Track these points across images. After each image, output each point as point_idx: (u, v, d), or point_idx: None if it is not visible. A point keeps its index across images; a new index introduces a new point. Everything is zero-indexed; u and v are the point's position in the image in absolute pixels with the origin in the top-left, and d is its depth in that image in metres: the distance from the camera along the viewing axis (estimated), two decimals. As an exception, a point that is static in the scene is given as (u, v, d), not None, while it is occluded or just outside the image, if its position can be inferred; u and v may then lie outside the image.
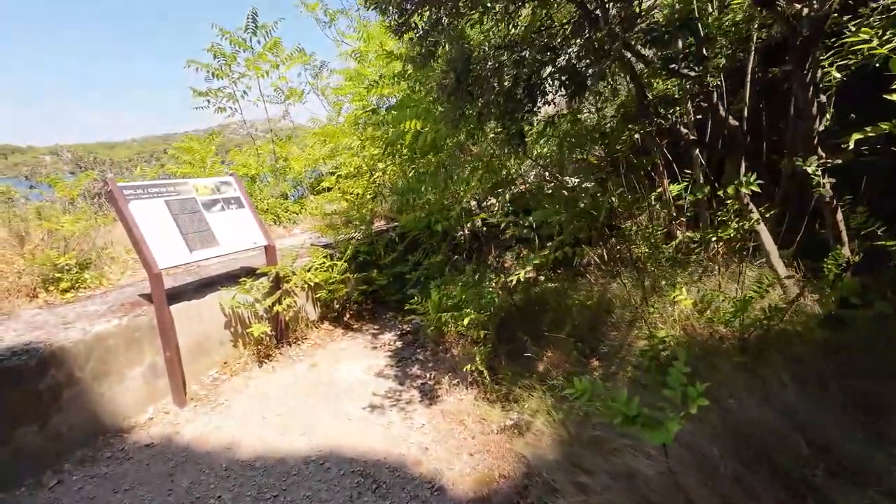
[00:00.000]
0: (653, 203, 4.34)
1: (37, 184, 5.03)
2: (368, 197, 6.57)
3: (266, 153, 7.70)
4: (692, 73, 2.81)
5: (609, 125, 4.23)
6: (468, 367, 3.23)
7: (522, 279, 2.42)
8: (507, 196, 5.04)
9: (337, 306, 4.85)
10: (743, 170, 3.22)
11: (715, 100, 2.88)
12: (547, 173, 5.43)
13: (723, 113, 2.90)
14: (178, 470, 2.70)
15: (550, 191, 5.09)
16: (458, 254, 5.56)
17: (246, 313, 3.89)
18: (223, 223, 3.64)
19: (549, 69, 2.40)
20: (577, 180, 5.56)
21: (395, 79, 4.52)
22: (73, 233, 3.96)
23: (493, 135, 3.73)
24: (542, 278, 4.78)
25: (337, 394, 3.47)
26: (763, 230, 3.20)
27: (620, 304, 3.42)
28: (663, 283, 3.12)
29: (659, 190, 4.35)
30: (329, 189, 6.93)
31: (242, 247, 3.69)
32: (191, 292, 3.61)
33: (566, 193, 3.50)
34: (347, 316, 4.92)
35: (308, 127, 9.42)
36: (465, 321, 3.12)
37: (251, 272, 4.09)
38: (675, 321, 2.95)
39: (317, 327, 4.58)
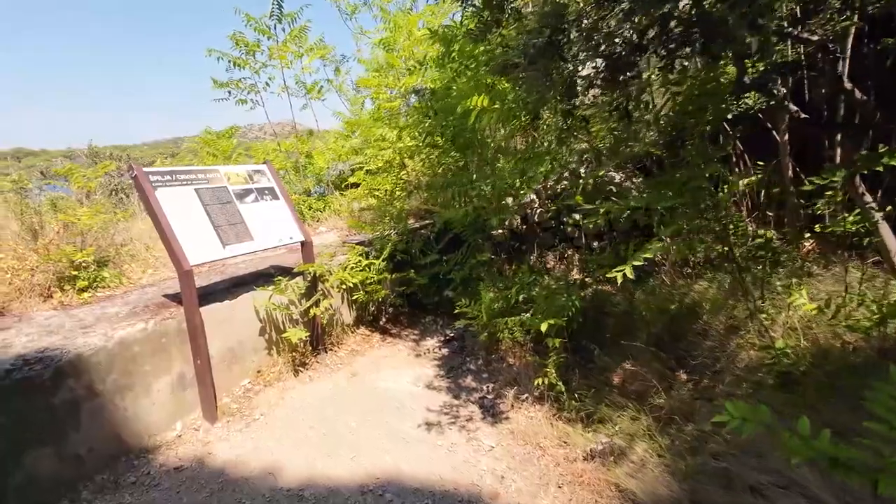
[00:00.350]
0: (731, 193, 3.90)
1: (52, 175, 4.73)
2: (398, 193, 6.20)
3: (288, 149, 7.35)
4: (814, 38, 2.39)
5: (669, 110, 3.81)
6: (539, 380, 2.81)
7: (630, 275, 2.01)
8: (570, 187, 4.64)
9: (372, 309, 4.46)
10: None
11: (840, 69, 2.45)
12: (582, 167, 5.03)
13: (847, 85, 2.47)
14: (214, 500, 2.31)
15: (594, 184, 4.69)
16: (495, 253, 5.16)
17: (280, 316, 3.50)
18: (257, 215, 3.26)
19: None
20: (621, 176, 5.14)
21: (441, 60, 4.14)
22: (90, 227, 3.61)
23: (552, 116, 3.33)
24: (589, 280, 4.37)
25: (385, 408, 3.06)
26: (884, 225, 2.75)
27: (711, 307, 3.00)
28: (778, 284, 2.68)
29: (735, 179, 3.91)
30: (356, 185, 6.57)
31: (278, 242, 3.31)
32: (221, 293, 3.24)
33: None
34: (384, 320, 4.53)
35: (319, 130, 9.08)
36: (544, 327, 2.71)
37: (284, 271, 3.71)
38: (792, 329, 2.51)
39: (352, 332, 4.18)
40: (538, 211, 5.75)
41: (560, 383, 2.75)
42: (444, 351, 3.93)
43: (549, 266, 5.39)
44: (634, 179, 5.33)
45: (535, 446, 2.57)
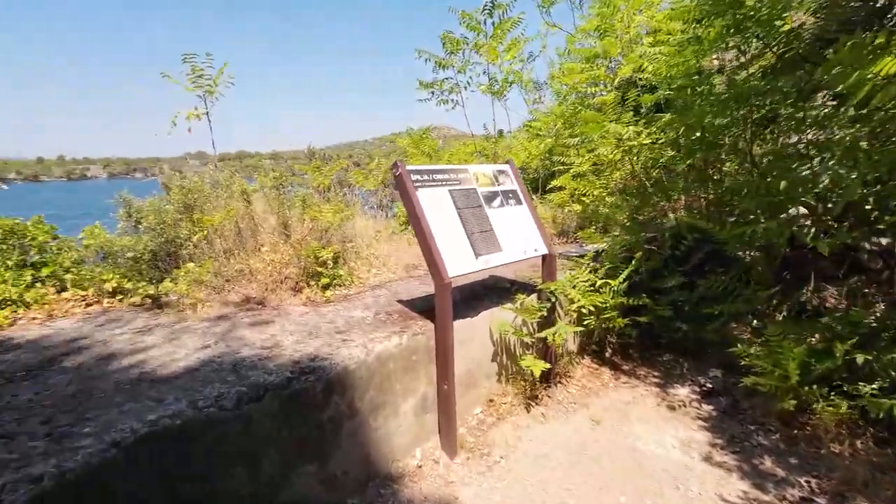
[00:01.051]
0: None
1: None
2: (608, 199, 5.41)
3: (479, 149, 7.12)
4: None
5: None
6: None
7: None
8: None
9: (596, 338, 3.77)
10: None
11: None
12: None
13: None
14: (477, 572, 1.89)
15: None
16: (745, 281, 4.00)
17: (513, 340, 3.05)
18: (504, 222, 2.85)
19: None
20: None
21: (723, 32, 3.25)
22: (331, 224, 3.66)
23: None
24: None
25: (660, 486, 2.34)
26: None
27: None
28: None
29: None
30: (556, 189, 5.97)
31: (524, 255, 2.85)
32: (459, 307, 2.90)
33: None
34: (609, 351, 3.80)
35: (511, 130, 8.70)
36: None
37: (516, 285, 3.27)
38: None
39: (577, 363, 3.56)
40: (813, 230, 4.37)
41: None
42: (709, 408, 3.04)
43: (827, 305, 4.02)
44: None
45: None
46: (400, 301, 3.09)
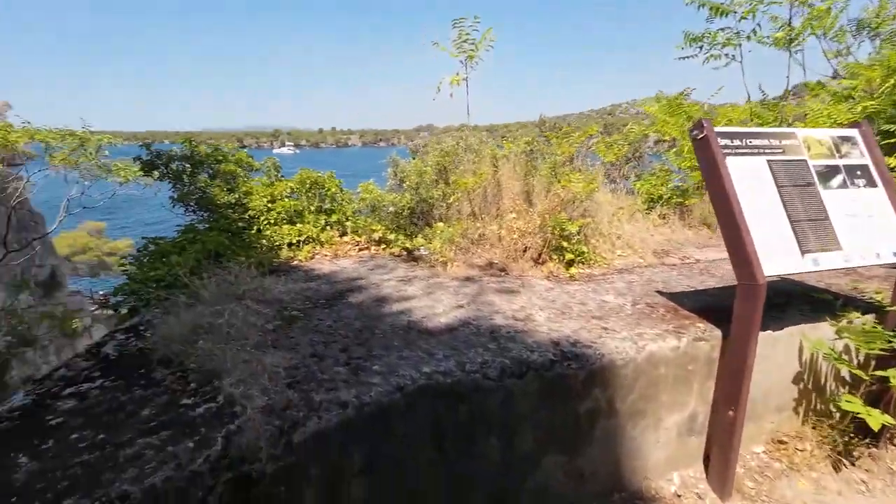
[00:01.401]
0: None
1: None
2: None
3: (763, 115, 5.64)
4: None
5: None
6: None
7: None
8: None
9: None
10: None
11: None
12: None
13: None
14: None
15: None
16: None
17: (825, 368, 2.25)
18: (846, 209, 2.03)
19: None
20: None
21: None
22: (577, 196, 3.35)
23: None
24: None
25: None
26: None
27: None
28: None
29: None
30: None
31: (875, 258, 2.00)
32: (749, 313, 2.25)
33: None
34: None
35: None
36: None
37: (839, 297, 2.38)
38: None
39: (920, 422, 2.46)
40: None
41: None
42: None
43: None
44: None
45: None
46: (660, 293, 2.60)
